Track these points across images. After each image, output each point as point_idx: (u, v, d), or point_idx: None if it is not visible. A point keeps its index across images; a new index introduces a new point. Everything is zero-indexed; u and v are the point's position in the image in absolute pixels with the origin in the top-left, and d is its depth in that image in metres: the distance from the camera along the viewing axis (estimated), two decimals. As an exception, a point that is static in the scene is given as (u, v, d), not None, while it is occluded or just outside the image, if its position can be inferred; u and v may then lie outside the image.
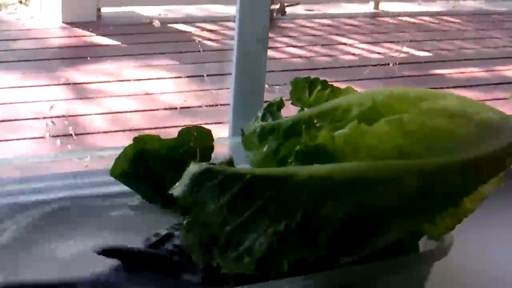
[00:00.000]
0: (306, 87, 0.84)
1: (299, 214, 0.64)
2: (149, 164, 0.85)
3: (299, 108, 0.83)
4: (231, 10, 3.56)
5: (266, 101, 1.05)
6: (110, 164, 0.85)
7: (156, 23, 3.48)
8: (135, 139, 0.85)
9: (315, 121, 0.76)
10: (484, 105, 0.76)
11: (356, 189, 0.65)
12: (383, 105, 0.74)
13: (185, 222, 0.66)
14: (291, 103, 0.84)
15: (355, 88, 0.83)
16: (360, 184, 0.65)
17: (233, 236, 0.64)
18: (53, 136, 2.39)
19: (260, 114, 0.83)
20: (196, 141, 0.85)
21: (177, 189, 0.66)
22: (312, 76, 0.85)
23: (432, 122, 0.70)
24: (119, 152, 0.86)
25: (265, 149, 0.78)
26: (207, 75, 2.89)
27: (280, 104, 0.83)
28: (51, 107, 2.65)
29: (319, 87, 0.83)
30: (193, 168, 0.67)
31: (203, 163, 0.68)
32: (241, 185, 0.65)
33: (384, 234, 0.68)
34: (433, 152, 0.68)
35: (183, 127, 0.87)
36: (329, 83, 0.84)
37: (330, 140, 0.68)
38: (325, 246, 0.65)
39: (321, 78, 0.84)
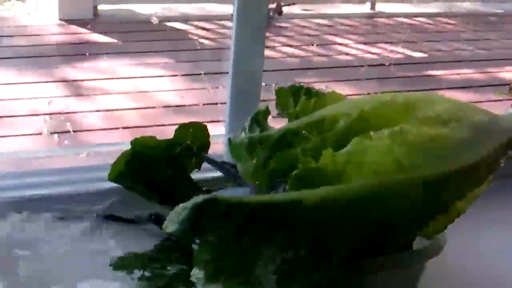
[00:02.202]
0: (290, 96, 0.83)
1: (308, 241, 0.64)
2: (145, 165, 0.85)
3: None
4: (227, 8, 3.56)
5: (263, 100, 1.05)
6: (106, 160, 0.86)
7: (155, 21, 3.47)
8: (131, 143, 0.86)
9: (303, 132, 0.75)
10: (473, 107, 0.76)
11: (365, 208, 0.65)
12: (371, 114, 0.73)
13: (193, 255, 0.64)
14: (277, 114, 0.83)
15: (350, 88, 0.84)
16: (368, 203, 0.65)
17: (240, 266, 0.64)
18: (50, 133, 2.39)
19: (247, 125, 0.82)
20: (192, 137, 0.85)
21: (174, 226, 0.64)
22: (304, 78, 0.85)
23: (429, 131, 0.70)
24: (115, 148, 0.86)
25: (254, 161, 0.77)
26: (203, 74, 2.89)
27: (266, 113, 0.82)
28: (50, 102, 2.65)
29: (304, 96, 0.82)
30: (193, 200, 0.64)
31: (205, 196, 0.65)
32: (244, 214, 0.63)
33: (392, 245, 0.69)
34: (433, 161, 0.68)
35: (179, 125, 0.88)
36: (321, 84, 0.84)
37: (331, 160, 0.67)
38: (338, 269, 0.65)
39: (316, 78, 0.84)
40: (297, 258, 0.64)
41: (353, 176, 0.66)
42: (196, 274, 0.64)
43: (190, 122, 0.88)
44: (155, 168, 0.85)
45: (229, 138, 0.82)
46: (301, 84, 0.84)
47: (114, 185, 0.87)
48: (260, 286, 0.64)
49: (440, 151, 0.69)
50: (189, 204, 0.63)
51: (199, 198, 0.64)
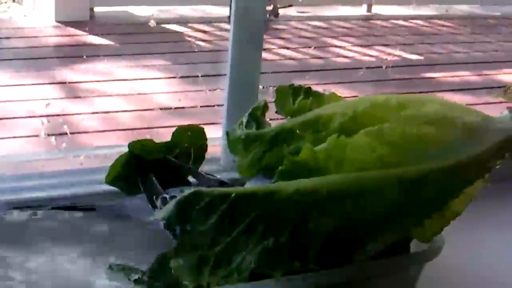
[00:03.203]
0: (290, 94, 0.84)
1: (287, 230, 0.65)
2: (142, 168, 0.85)
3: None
4: (224, 11, 3.56)
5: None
6: (104, 162, 0.86)
7: (152, 23, 3.47)
8: (129, 145, 0.86)
9: (298, 131, 0.76)
10: (467, 108, 0.76)
11: (342, 201, 0.66)
12: (365, 114, 0.74)
13: (173, 247, 0.66)
14: (275, 112, 0.84)
15: (347, 91, 0.84)
16: (345, 196, 0.66)
17: (223, 256, 0.65)
18: (47, 135, 2.39)
19: (244, 120, 0.83)
20: (189, 140, 0.85)
21: (161, 214, 0.67)
22: (301, 80, 0.85)
23: (413, 130, 0.70)
24: (113, 151, 0.86)
25: (250, 156, 0.79)
26: (200, 76, 2.89)
27: (264, 109, 0.83)
28: (47, 105, 2.64)
29: (302, 95, 0.83)
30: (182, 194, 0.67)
31: (191, 188, 0.68)
32: (227, 205, 0.66)
33: (372, 243, 0.69)
34: (416, 159, 0.68)
35: (176, 128, 0.88)
36: (319, 86, 0.84)
37: (312, 156, 0.68)
38: (314, 259, 0.66)
39: (313, 81, 0.85)
40: (277, 247, 0.65)
41: (336, 171, 0.68)
42: (177, 263, 0.65)
43: (187, 125, 0.88)
44: (152, 171, 0.85)
45: (227, 132, 0.83)
46: (302, 85, 0.85)
47: (111, 188, 0.87)
48: (241, 275, 0.65)
49: (424, 150, 0.69)
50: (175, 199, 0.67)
51: (184, 192, 0.67)
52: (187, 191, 0.67)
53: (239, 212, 0.65)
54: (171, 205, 0.66)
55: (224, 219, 0.65)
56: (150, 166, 0.85)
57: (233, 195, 0.66)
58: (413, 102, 0.75)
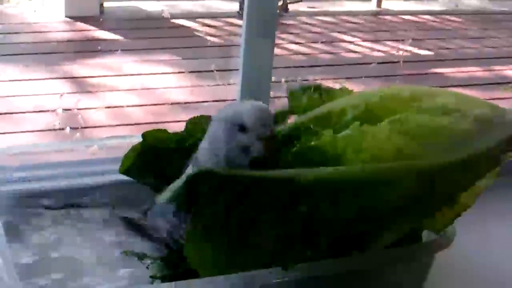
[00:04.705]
0: (301, 95, 0.84)
1: (300, 218, 0.65)
2: (156, 158, 0.86)
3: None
4: (232, 6, 3.56)
5: (271, 97, 1.05)
6: (117, 153, 0.86)
7: (166, 14, 3.47)
8: (143, 135, 0.86)
9: (311, 126, 0.76)
10: (479, 101, 0.77)
11: (358, 191, 0.66)
12: (377, 106, 0.74)
13: (185, 231, 0.65)
14: (289, 112, 0.84)
15: (357, 86, 0.84)
16: (362, 187, 0.66)
17: (236, 243, 0.64)
18: (58, 130, 2.40)
19: None
20: (203, 131, 0.85)
21: (168, 194, 0.65)
22: (310, 75, 0.85)
23: (431, 121, 0.70)
24: (126, 141, 0.87)
25: None
26: (210, 71, 2.89)
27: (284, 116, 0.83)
28: (61, 95, 2.65)
29: (313, 92, 0.83)
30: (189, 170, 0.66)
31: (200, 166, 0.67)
32: (240, 188, 0.64)
33: (386, 234, 0.69)
34: (432, 151, 0.68)
35: (190, 119, 0.88)
36: (328, 81, 0.85)
37: (331, 142, 0.68)
38: (327, 248, 0.66)
39: (323, 76, 0.85)
40: (290, 235, 0.64)
41: (352, 160, 0.68)
42: (191, 252, 0.65)
43: (201, 115, 0.88)
44: (166, 161, 0.85)
45: None
46: (312, 82, 0.85)
47: (125, 177, 0.88)
48: (254, 262, 0.64)
49: (439, 141, 0.69)
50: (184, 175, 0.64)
51: (194, 169, 0.65)
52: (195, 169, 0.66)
53: (252, 196, 0.64)
54: (178, 184, 0.64)
55: (236, 202, 0.64)
56: (163, 156, 0.85)
57: (247, 179, 0.65)
58: (426, 94, 0.75)
